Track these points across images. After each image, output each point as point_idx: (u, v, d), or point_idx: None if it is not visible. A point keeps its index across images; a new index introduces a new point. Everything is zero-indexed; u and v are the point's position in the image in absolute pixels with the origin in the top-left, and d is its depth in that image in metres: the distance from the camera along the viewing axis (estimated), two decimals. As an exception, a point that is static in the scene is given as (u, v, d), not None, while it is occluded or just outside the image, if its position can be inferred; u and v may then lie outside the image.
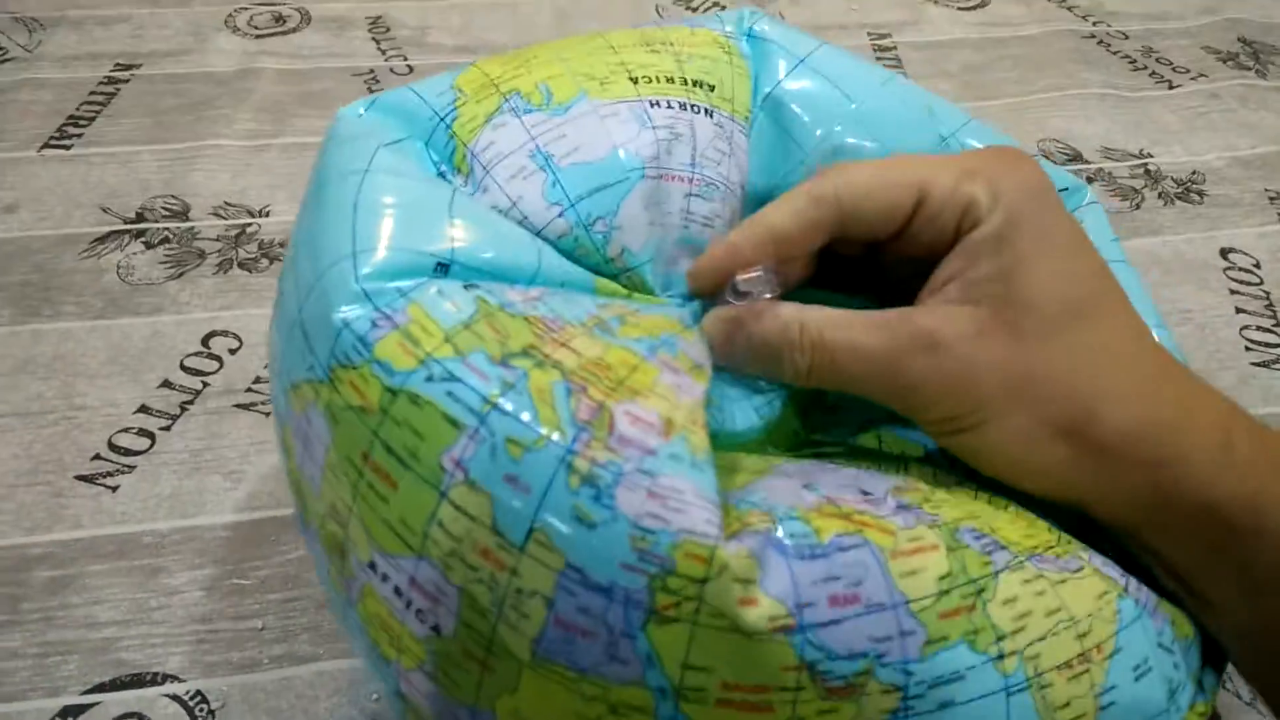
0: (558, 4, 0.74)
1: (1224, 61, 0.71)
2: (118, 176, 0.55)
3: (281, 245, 0.51)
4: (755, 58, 0.33)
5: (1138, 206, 0.57)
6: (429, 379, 0.20)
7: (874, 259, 0.27)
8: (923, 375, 0.23)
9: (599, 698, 0.19)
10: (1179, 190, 0.58)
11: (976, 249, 0.23)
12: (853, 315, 0.24)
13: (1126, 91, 0.67)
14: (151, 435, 0.41)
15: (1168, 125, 0.64)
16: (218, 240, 0.51)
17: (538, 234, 0.27)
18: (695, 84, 0.30)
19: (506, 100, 0.28)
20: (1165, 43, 0.73)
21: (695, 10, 0.75)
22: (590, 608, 0.18)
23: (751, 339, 0.24)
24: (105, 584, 0.36)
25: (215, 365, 0.44)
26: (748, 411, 0.25)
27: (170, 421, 0.42)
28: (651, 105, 0.29)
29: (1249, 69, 0.70)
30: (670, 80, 0.30)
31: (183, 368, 0.44)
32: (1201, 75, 0.69)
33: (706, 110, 0.30)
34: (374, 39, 0.69)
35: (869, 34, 0.72)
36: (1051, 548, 0.22)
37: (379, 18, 0.71)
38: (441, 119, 0.28)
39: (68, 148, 0.57)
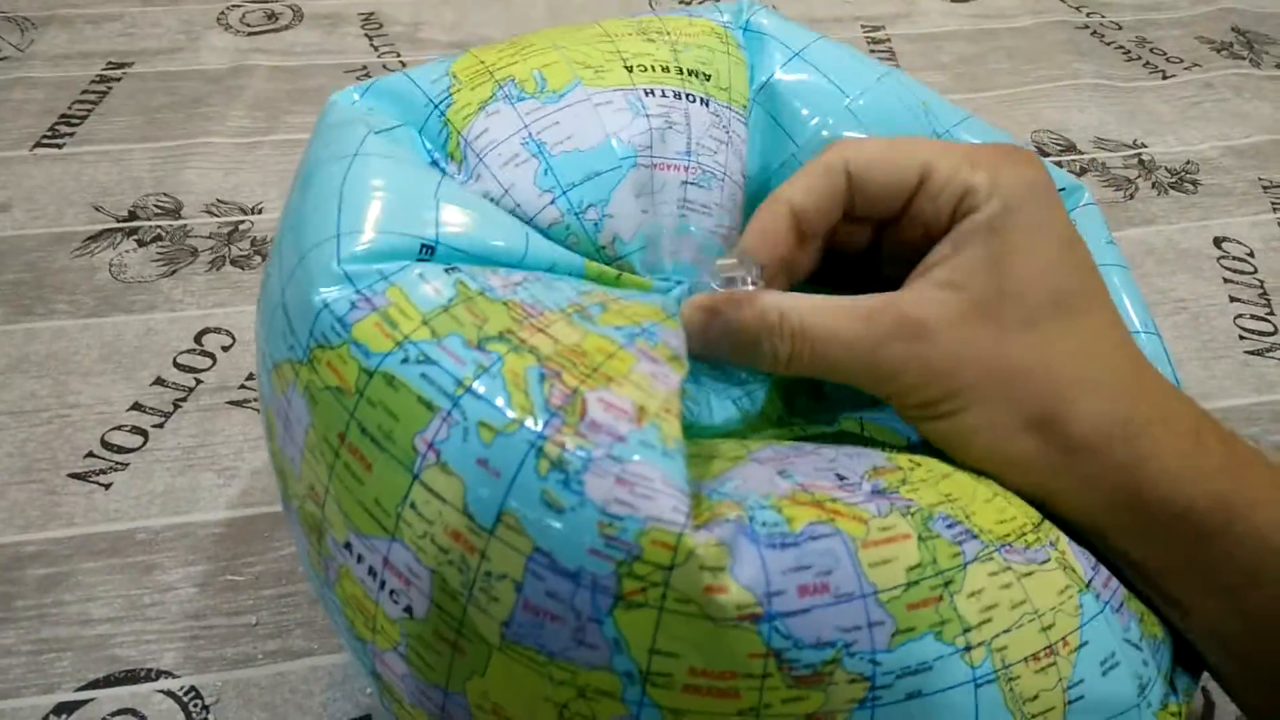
0: (550, -1, 0.74)
1: (1218, 51, 0.70)
2: (110, 175, 0.55)
3: (266, 266, 0.51)
4: (752, 49, 0.33)
5: (1131, 196, 0.57)
6: (404, 361, 0.20)
7: (873, 255, 0.27)
8: (903, 360, 0.23)
9: (567, 681, 0.19)
10: (1173, 180, 0.58)
11: (969, 235, 0.23)
12: (833, 301, 0.24)
13: (1120, 82, 0.67)
14: (144, 432, 0.41)
15: (1161, 115, 0.64)
16: (210, 238, 0.51)
17: (529, 221, 0.27)
18: (691, 73, 0.30)
19: (501, 87, 0.28)
20: (1159, 33, 0.73)
21: (689, 3, 0.75)
22: (558, 592, 0.19)
23: (729, 326, 0.24)
24: (99, 581, 0.36)
25: (208, 362, 0.44)
26: (726, 404, 0.25)
27: (163, 419, 0.42)
28: (646, 94, 0.29)
29: (1243, 58, 0.70)
30: (665, 69, 0.30)
31: (175, 365, 0.44)
32: (1195, 65, 0.69)
33: (702, 99, 0.30)
34: (366, 35, 0.69)
35: (862, 26, 0.72)
36: (1024, 535, 0.22)
37: (371, 14, 0.71)
38: (436, 105, 0.28)
39: (60, 146, 0.57)
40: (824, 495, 0.20)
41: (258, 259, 0.50)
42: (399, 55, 0.67)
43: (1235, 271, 0.52)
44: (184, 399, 0.42)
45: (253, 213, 0.53)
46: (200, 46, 0.66)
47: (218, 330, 0.46)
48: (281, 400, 0.23)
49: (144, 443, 0.41)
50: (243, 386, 0.43)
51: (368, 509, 0.21)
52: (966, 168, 0.24)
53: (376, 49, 0.67)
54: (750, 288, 0.24)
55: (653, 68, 0.30)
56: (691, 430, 0.24)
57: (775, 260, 0.25)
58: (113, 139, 0.57)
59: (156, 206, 0.53)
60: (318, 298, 0.22)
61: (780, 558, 0.19)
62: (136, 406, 0.42)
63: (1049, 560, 0.21)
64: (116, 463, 0.40)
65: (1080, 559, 0.22)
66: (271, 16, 0.70)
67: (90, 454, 0.40)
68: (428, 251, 0.23)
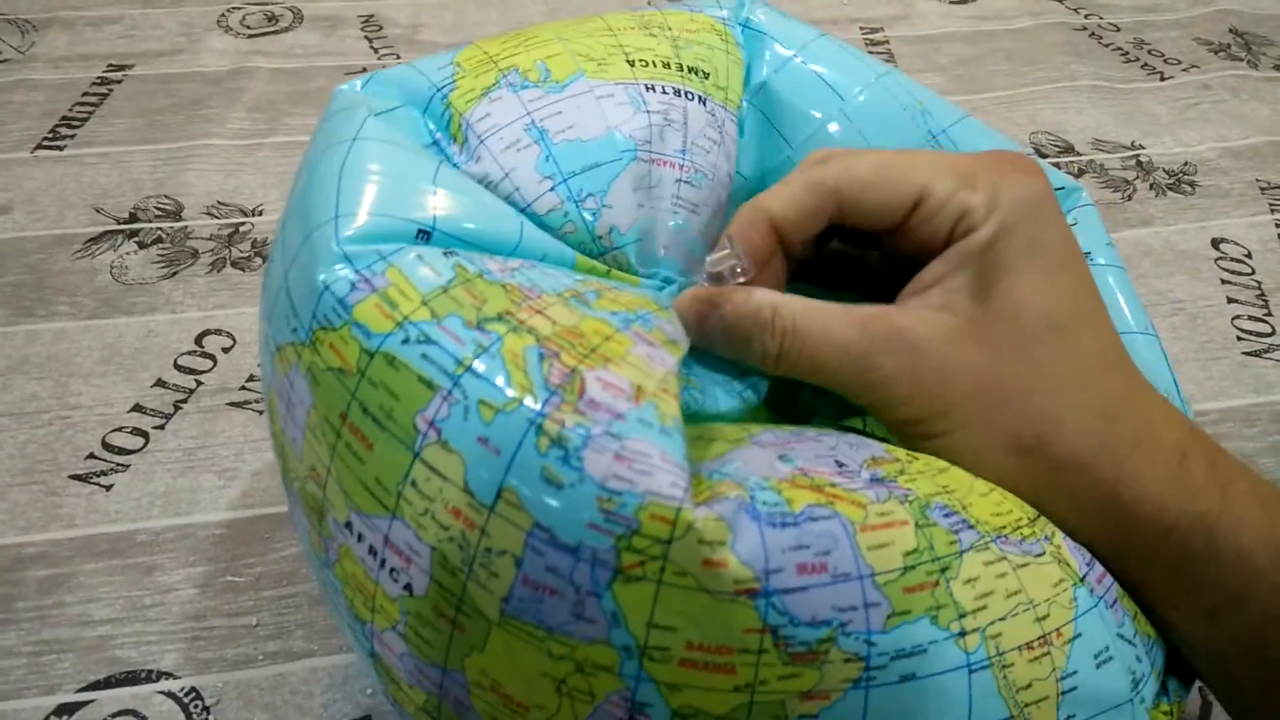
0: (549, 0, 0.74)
1: (1215, 53, 0.71)
2: (111, 177, 0.55)
3: (270, 252, 0.51)
4: (749, 47, 0.33)
5: (1129, 198, 0.57)
6: (405, 341, 0.21)
7: (869, 252, 0.27)
8: (893, 374, 0.23)
9: (566, 656, 0.19)
10: (1170, 181, 0.58)
11: (965, 256, 0.23)
12: (829, 305, 0.24)
13: (1118, 83, 0.67)
14: (145, 434, 0.41)
15: (1159, 117, 0.64)
16: (211, 239, 0.51)
17: (528, 206, 0.27)
18: (691, 70, 0.31)
19: (504, 75, 0.28)
20: (1157, 34, 0.73)
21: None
22: (558, 567, 0.19)
23: (724, 320, 0.24)
24: (100, 582, 0.36)
25: (209, 364, 0.44)
26: (730, 395, 0.26)
27: (164, 420, 0.42)
28: (647, 89, 0.29)
29: (1240, 60, 0.70)
30: (666, 65, 0.30)
31: (176, 366, 0.44)
32: (1193, 66, 0.69)
33: (700, 98, 0.30)
34: (366, 37, 0.69)
35: (860, 28, 0.72)
36: (1020, 528, 0.22)
37: (371, 16, 0.71)
38: (439, 89, 0.28)
39: (61, 148, 0.57)
40: (823, 480, 0.21)
41: (258, 261, 0.50)
42: (398, 57, 0.67)
43: (1233, 273, 0.52)
44: (185, 400, 0.43)
45: (253, 214, 0.53)
46: (200, 49, 0.66)
47: (218, 332, 0.46)
48: (284, 382, 0.23)
49: (145, 444, 0.41)
50: (243, 388, 0.43)
51: (369, 488, 0.21)
52: (964, 189, 0.24)
53: (376, 51, 0.67)
54: (741, 279, 0.24)
55: (654, 63, 0.30)
56: (695, 417, 0.24)
57: (752, 266, 0.25)
58: (113, 141, 0.58)
59: (157, 208, 0.53)
60: (319, 279, 0.22)
61: (780, 536, 0.19)
62: (137, 408, 0.42)
63: (1044, 554, 0.21)
64: (117, 464, 0.40)
65: (1075, 554, 0.22)
66: (271, 19, 0.70)
67: (91, 455, 0.40)
68: (424, 236, 0.23)
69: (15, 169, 0.55)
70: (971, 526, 0.21)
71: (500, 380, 0.20)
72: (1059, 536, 0.22)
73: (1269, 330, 0.49)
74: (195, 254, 0.50)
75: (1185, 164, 0.60)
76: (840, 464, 0.21)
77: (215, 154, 0.57)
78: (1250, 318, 0.49)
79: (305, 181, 0.25)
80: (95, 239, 0.51)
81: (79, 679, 0.33)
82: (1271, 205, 0.57)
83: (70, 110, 0.60)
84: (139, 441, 0.41)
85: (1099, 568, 0.23)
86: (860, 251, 0.28)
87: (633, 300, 0.24)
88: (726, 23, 0.33)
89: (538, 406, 0.19)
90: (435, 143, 0.28)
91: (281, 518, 0.38)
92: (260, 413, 0.42)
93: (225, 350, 0.45)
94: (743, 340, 0.24)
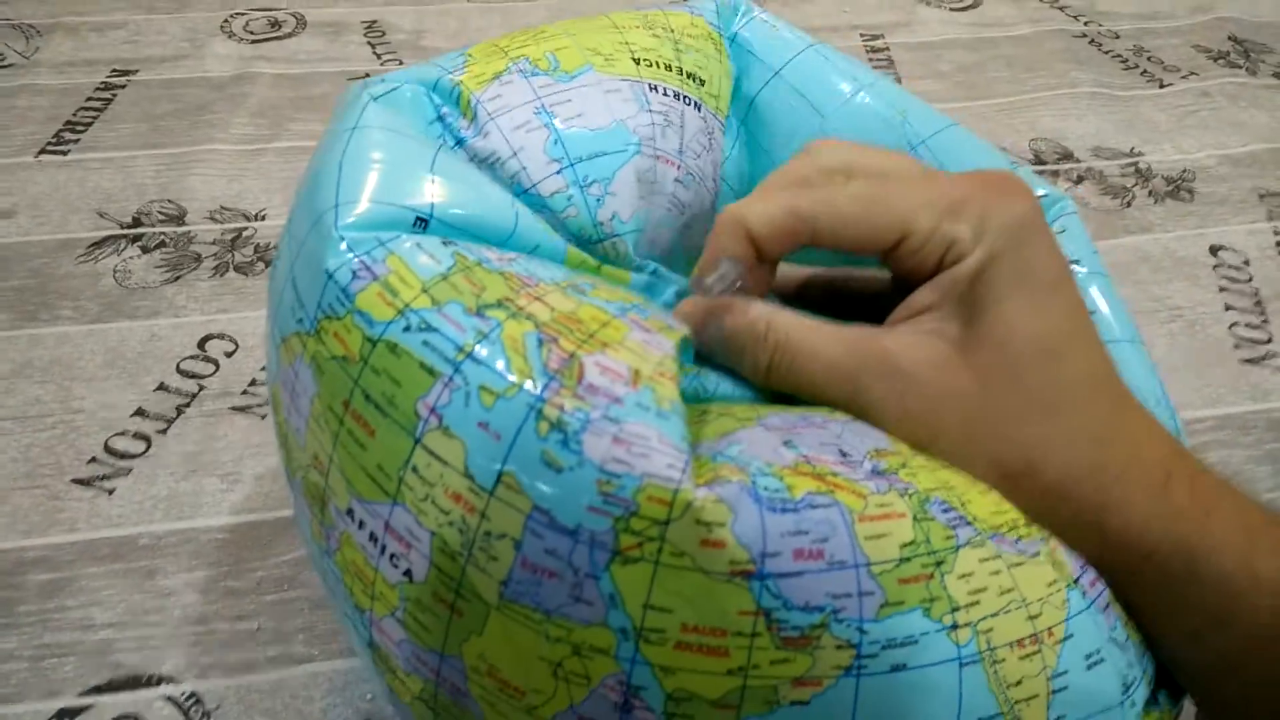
0: (551, 6, 0.74)
1: (1215, 60, 0.71)
2: (114, 181, 0.55)
3: (277, 249, 0.51)
4: (736, 61, 0.34)
5: (1128, 204, 0.57)
6: (406, 329, 0.21)
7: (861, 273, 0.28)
8: (881, 397, 0.23)
9: (563, 639, 0.19)
10: (1169, 188, 0.59)
11: (954, 283, 0.23)
12: (823, 324, 0.24)
13: (1118, 90, 0.67)
14: (148, 438, 0.41)
15: (1158, 124, 0.64)
16: (214, 244, 0.51)
17: (533, 187, 0.27)
18: (689, 76, 0.31)
19: (515, 63, 0.29)
20: (1156, 42, 0.73)
21: None
22: (557, 549, 0.19)
23: (721, 330, 0.25)
24: (101, 586, 0.36)
25: (211, 368, 0.45)
26: (739, 385, 0.26)
27: (166, 425, 0.42)
28: (650, 89, 0.30)
29: (1239, 67, 0.70)
30: (668, 68, 0.31)
31: (179, 371, 0.44)
32: (1192, 74, 0.69)
33: (696, 103, 0.31)
34: (369, 43, 0.69)
35: (861, 35, 0.73)
36: (1016, 528, 0.22)
37: (374, 22, 0.72)
38: (449, 72, 0.29)
39: (65, 153, 0.57)
40: (825, 469, 0.21)
41: (261, 265, 0.50)
42: (401, 62, 0.67)
43: (1231, 280, 0.52)
44: (187, 405, 0.43)
45: (256, 219, 0.53)
46: (204, 54, 0.67)
47: (221, 336, 0.46)
48: (289, 372, 0.24)
49: (147, 448, 0.41)
50: (245, 392, 0.44)
51: (370, 474, 0.21)
52: (948, 220, 0.23)
53: (379, 56, 0.68)
54: (737, 286, 0.25)
55: (657, 64, 0.31)
56: (703, 400, 0.25)
57: (746, 278, 0.26)
58: (117, 146, 0.58)
59: (160, 213, 0.53)
60: (323, 268, 0.23)
61: (779, 521, 0.19)
62: (140, 412, 0.42)
63: (1039, 554, 0.22)
64: (120, 468, 0.40)
65: (1069, 557, 0.22)
66: (275, 24, 0.71)
67: (94, 459, 0.40)
68: (421, 225, 0.24)
69: (19, 174, 0.56)
70: (969, 523, 0.21)
71: (500, 365, 0.20)
72: (1054, 539, 0.23)
73: (1266, 338, 0.49)
74: (198, 259, 0.51)
75: (1184, 171, 0.60)
76: (844, 453, 0.22)
77: (218, 159, 0.57)
78: (1248, 325, 0.49)
79: (309, 174, 0.26)
80: (99, 243, 0.51)
81: (80, 683, 0.33)
82: (1270, 213, 0.57)
83: (74, 115, 0.60)
84: (141, 446, 0.41)
85: (1093, 572, 0.23)
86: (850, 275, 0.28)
87: (627, 296, 0.24)
88: (720, 32, 0.34)
89: (537, 391, 0.20)
90: (440, 118, 0.28)
91: (283, 523, 0.38)
92: (263, 417, 0.42)
93: (228, 355, 0.45)
94: (737, 351, 0.25)
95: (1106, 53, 0.72)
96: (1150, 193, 0.58)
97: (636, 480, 0.19)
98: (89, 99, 0.62)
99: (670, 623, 0.19)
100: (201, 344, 0.46)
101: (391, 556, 0.21)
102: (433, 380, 0.20)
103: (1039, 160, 0.60)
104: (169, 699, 0.33)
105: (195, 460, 0.41)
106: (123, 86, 0.63)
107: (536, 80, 0.28)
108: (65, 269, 0.49)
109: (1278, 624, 0.21)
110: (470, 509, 0.20)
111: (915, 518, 0.20)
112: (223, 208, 0.54)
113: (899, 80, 0.68)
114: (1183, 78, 0.69)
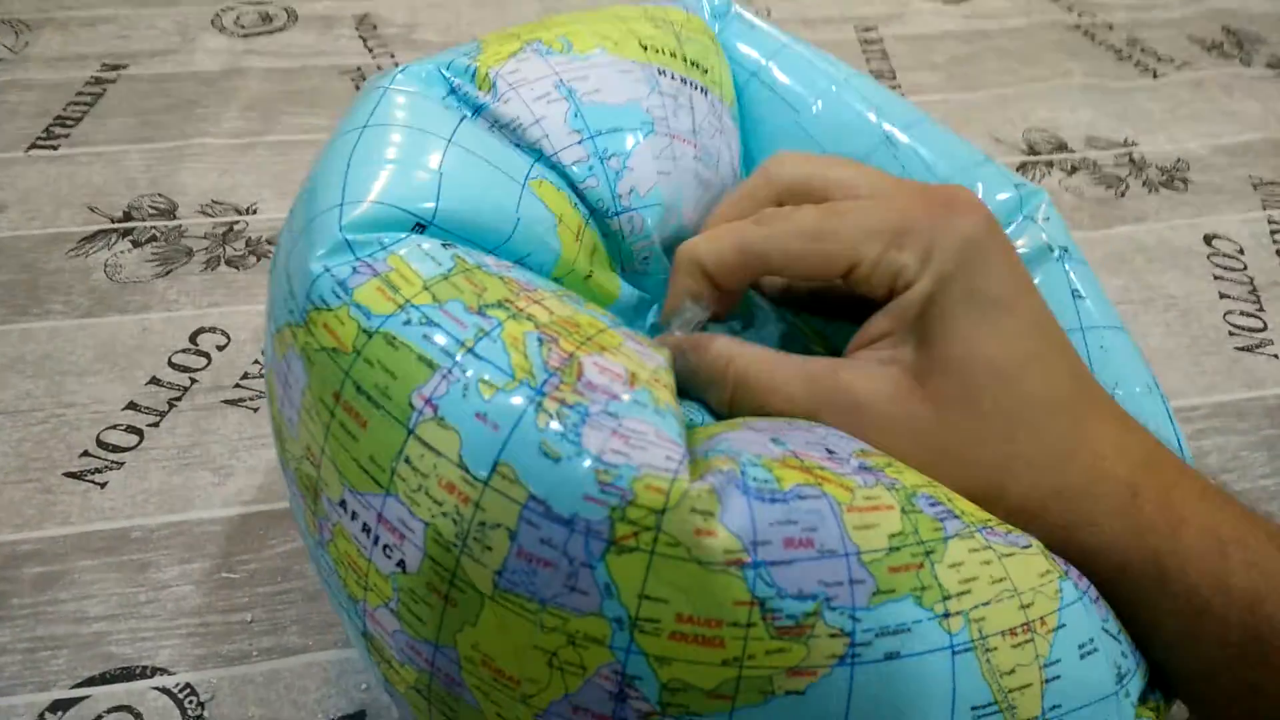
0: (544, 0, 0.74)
1: (1208, 50, 0.71)
2: (105, 176, 0.55)
3: (269, 242, 0.51)
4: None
5: (1122, 194, 0.57)
6: (407, 323, 0.21)
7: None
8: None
9: (558, 629, 0.19)
10: (1163, 178, 0.59)
11: (905, 309, 0.23)
12: (781, 358, 0.25)
13: (1111, 81, 0.67)
14: (140, 432, 0.41)
15: (1152, 114, 0.64)
16: (205, 238, 0.51)
17: (554, 154, 0.27)
18: (693, 64, 0.32)
19: (529, 45, 0.29)
20: (1150, 33, 0.73)
21: None
22: (552, 538, 0.19)
23: (689, 365, 0.26)
24: (94, 579, 0.36)
25: (203, 362, 0.44)
26: (711, 417, 0.27)
27: (158, 418, 0.42)
28: (659, 73, 0.30)
29: (1233, 58, 0.70)
30: (673, 55, 0.31)
31: (171, 364, 0.44)
32: (1186, 64, 0.69)
33: (703, 89, 0.31)
34: (361, 37, 0.69)
35: (855, 27, 0.73)
36: (1004, 522, 0.22)
37: (365, 15, 0.71)
38: (464, 54, 0.29)
39: (55, 148, 0.57)
40: (813, 464, 0.21)
41: (253, 259, 0.50)
42: (393, 56, 0.67)
43: (1225, 269, 0.52)
44: (179, 398, 0.43)
45: (247, 213, 0.53)
46: (195, 48, 0.66)
47: (213, 330, 0.46)
48: (281, 364, 0.24)
49: (139, 442, 0.41)
50: (237, 386, 0.43)
51: (362, 465, 0.21)
52: (893, 248, 0.23)
53: (371, 50, 0.67)
54: (706, 317, 0.26)
55: (663, 50, 0.31)
56: (690, 427, 0.25)
57: (709, 311, 0.27)
58: (108, 140, 0.58)
59: (151, 207, 0.53)
60: (318, 262, 0.23)
61: (768, 510, 0.19)
62: (132, 406, 0.42)
63: (1030, 545, 0.22)
64: (112, 461, 0.40)
65: (1055, 558, 0.22)
66: (266, 18, 0.70)
67: (86, 453, 0.40)
68: (419, 229, 0.24)
69: (10, 168, 0.55)
70: (956, 516, 0.21)
71: (501, 361, 0.20)
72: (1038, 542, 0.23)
73: (1260, 325, 0.49)
74: (189, 252, 0.50)
75: (1178, 161, 0.60)
76: (830, 451, 0.22)
77: (209, 153, 0.57)
78: (1242, 313, 0.49)
79: (317, 167, 0.26)
80: (89, 238, 0.51)
81: (74, 675, 0.33)
82: (1264, 201, 0.57)
83: (64, 110, 0.60)
84: (133, 439, 0.41)
85: (1075, 571, 0.23)
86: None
87: (611, 318, 0.24)
88: (711, 28, 0.34)
89: (537, 386, 0.20)
90: (453, 90, 0.28)
91: (276, 514, 0.38)
92: (255, 410, 0.42)
93: (220, 348, 0.45)
94: (704, 385, 0.26)
95: (1100, 44, 0.72)
96: (1144, 183, 0.58)
97: (634, 470, 0.19)
98: (79, 93, 0.61)
99: (665, 613, 0.19)
100: (193, 338, 0.45)
101: (384, 547, 0.21)
102: (431, 372, 0.20)
103: (1033, 151, 0.60)
104: (163, 690, 0.33)
105: (188, 453, 0.40)
106: (113, 81, 0.63)
107: (553, 59, 0.29)
108: (56, 263, 0.49)
109: (1249, 637, 0.21)
110: (464, 499, 0.20)
111: (903, 510, 0.20)
112: (214, 202, 0.54)
113: (893, 73, 0.68)
114: (1176, 68, 0.69)
